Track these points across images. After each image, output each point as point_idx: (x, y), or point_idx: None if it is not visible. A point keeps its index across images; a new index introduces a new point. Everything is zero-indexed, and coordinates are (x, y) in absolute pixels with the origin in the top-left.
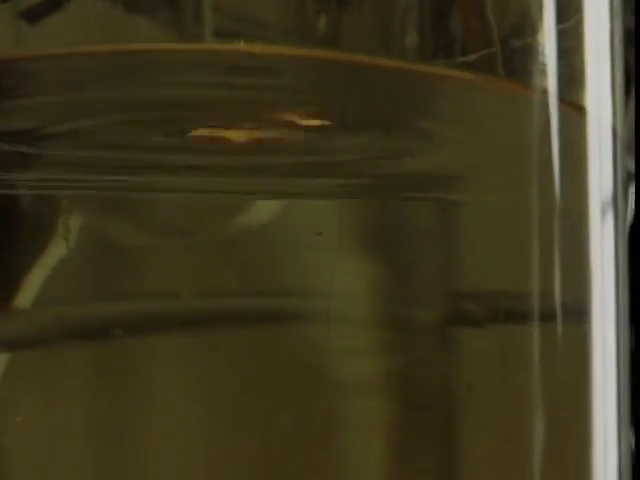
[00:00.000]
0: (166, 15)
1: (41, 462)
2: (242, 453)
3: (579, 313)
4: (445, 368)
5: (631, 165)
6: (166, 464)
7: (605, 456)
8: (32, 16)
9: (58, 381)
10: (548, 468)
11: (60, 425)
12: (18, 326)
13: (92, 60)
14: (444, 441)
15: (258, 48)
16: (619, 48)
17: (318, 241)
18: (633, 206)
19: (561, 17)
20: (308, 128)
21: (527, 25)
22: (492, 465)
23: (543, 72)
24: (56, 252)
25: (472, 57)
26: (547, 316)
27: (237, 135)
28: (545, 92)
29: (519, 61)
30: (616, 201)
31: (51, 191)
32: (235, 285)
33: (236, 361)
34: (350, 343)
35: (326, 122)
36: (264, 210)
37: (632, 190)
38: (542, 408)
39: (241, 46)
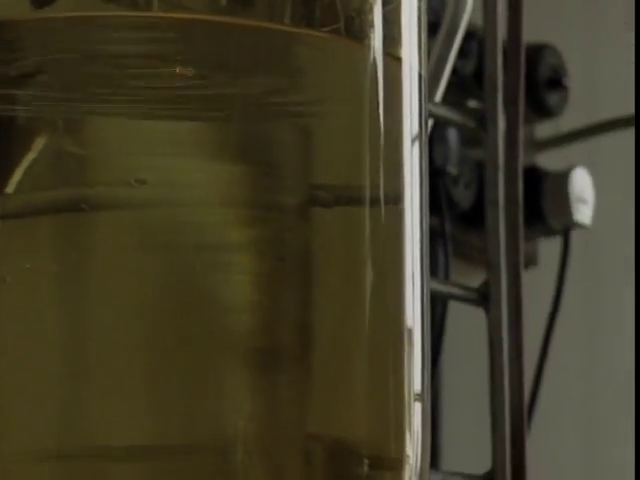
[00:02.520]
0: (126, 1)
1: (25, 299)
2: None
3: (396, 199)
4: (304, 234)
5: (431, 107)
6: (112, 294)
7: (413, 294)
8: (40, 2)
9: (34, 240)
10: (376, 302)
11: (37, 270)
12: (6, 205)
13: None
14: (304, 284)
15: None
16: (424, 20)
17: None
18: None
19: (386, 1)
20: (207, 71)
21: (365, 6)
22: (338, 299)
23: (373, 35)
24: (31, 156)
25: (326, 28)
26: (374, 200)
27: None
28: (374, 48)
29: (358, 28)
30: (421, 128)
31: (31, 114)
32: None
33: (152, 232)
34: (234, 218)
35: (221, 68)
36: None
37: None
38: (371, 261)
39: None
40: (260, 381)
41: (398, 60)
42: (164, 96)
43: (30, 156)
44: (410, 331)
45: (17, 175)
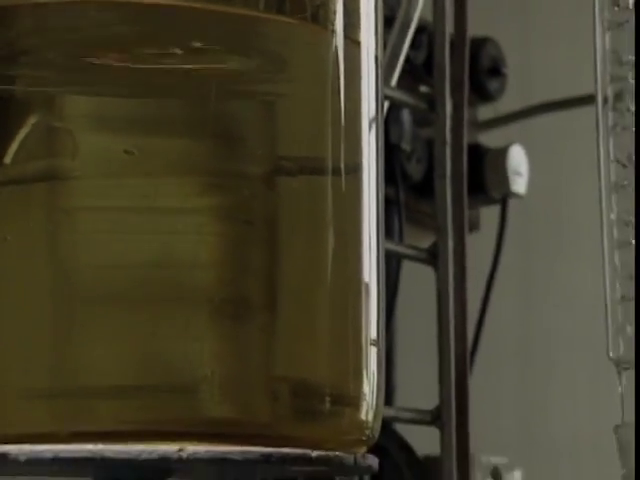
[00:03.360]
0: None
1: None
2: None
3: (355, 169)
4: (271, 199)
5: (387, 91)
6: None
7: (370, 252)
8: None
9: (32, 204)
10: (336, 260)
11: (32, 229)
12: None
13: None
14: (271, 244)
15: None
16: (381, 9)
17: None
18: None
19: None
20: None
21: None
22: (303, 257)
23: (336, 21)
24: (24, 131)
25: (295, 15)
26: (336, 170)
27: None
28: (336, 33)
29: (322, 14)
30: (378, 105)
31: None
32: None
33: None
34: (207, 186)
35: (200, 50)
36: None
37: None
38: (333, 224)
39: None
40: (231, 328)
41: (357, 44)
42: (143, 76)
43: (25, 130)
44: (367, 285)
45: (14, 147)
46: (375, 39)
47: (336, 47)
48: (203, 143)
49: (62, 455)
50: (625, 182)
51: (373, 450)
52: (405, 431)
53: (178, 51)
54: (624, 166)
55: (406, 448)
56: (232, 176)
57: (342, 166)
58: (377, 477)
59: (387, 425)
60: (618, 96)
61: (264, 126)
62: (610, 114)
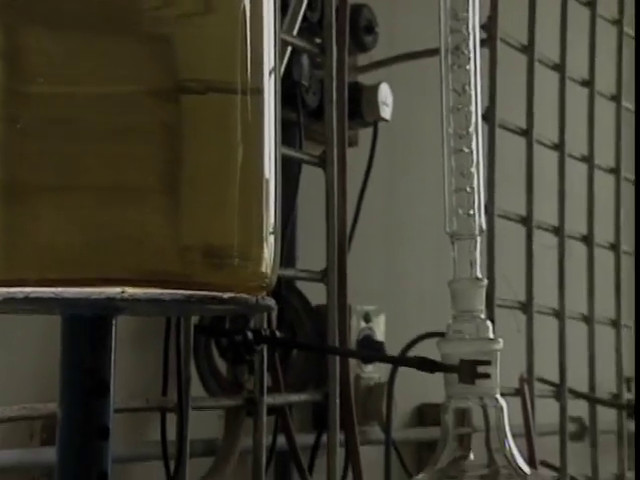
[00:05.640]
0: None
1: None
2: None
3: (259, 90)
4: (183, 114)
5: (290, 39)
6: None
7: (269, 155)
8: None
9: None
10: (244, 158)
11: None
12: None
13: None
14: (181, 146)
15: None
16: None
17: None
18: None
19: None
20: None
21: None
22: (213, 155)
23: None
24: None
25: None
26: (243, 90)
27: None
28: None
29: None
30: (275, 44)
31: None
32: None
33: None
34: (123, 103)
35: None
36: None
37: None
38: (240, 128)
39: None
40: (158, 206)
41: None
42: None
43: None
44: (267, 180)
45: None
46: None
47: None
48: (110, 68)
49: (32, 296)
50: (459, 106)
51: (279, 300)
52: (303, 287)
53: None
54: (459, 94)
55: (303, 299)
56: (139, 93)
57: (248, 85)
58: (282, 320)
59: (290, 283)
60: (457, 45)
61: (166, 54)
62: (450, 56)
